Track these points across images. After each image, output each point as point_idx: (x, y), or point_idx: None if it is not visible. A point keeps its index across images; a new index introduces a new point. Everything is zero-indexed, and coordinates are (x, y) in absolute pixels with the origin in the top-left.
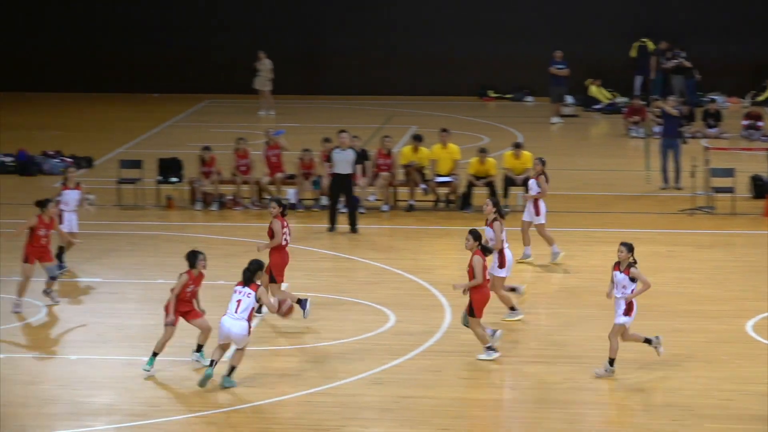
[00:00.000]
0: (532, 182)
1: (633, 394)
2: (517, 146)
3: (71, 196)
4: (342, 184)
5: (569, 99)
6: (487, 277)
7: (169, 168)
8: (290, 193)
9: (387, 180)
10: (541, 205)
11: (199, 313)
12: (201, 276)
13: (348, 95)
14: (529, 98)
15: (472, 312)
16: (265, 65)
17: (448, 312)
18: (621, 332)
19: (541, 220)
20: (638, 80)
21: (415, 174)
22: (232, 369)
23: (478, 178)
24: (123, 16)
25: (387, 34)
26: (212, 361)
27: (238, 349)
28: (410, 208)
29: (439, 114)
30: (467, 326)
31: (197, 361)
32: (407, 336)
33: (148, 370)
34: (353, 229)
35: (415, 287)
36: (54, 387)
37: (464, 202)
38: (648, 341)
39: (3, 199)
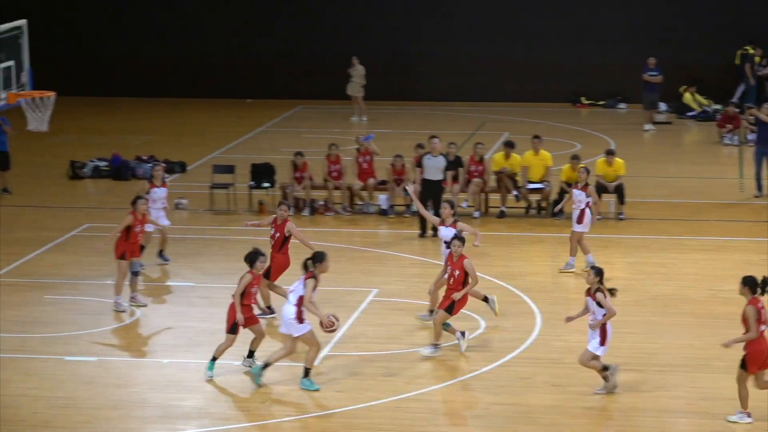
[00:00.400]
0: (579, 193)
1: (722, 402)
2: (610, 153)
3: (159, 194)
4: (432, 190)
5: (662, 106)
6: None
7: (262, 173)
8: (382, 199)
9: (479, 186)
10: (587, 214)
11: (257, 319)
12: (260, 277)
13: (440, 101)
14: (622, 105)
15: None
16: (358, 71)
17: (539, 319)
18: (589, 360)
19: (585, 228)
20: (741, 88)
21: (507, 180)
22: (306, 371)
23: (569, 184)
24: (217, 22)
25: (479, 41)
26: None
27: (308, 350)
28: (502, 215)
29: (531, 120)
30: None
31: (248, 366)
32: (497, 342)
33: (211, 377)
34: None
35: (506, 293)
36: (145, 390)
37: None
38: (606, 368)
39: (97, 203)
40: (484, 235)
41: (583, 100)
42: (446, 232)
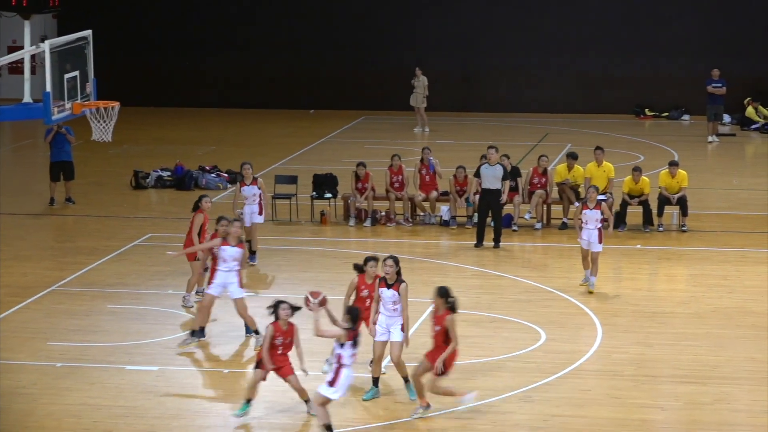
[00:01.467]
0: (592, 213)
1: None
2: (673, 164)
3: (248, 191)
4: (490, 200)
5: (726, 118)
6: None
7: (324, 183)
8: (443, 210)
9: (541, 198)
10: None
11: (292, 369)
12: (291, 330)
13: (502, 112)
14: (686, 117)
15: None
16: (421, 82)
17: (600, 331)
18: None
19: (600, 248)
20: None
21: (570, 192)
22: (405, 380)
23: (631, 197)
24: (279, 34)
25: (542, 52)
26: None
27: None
28: (564, 226)
29: (595, 132)
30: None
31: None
32: (558, 354)
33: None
34: (496, 245)
35: (567, 305)
36: (206, 400)
37: (618, 221)
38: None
39: (160, 213)
40: (546, 247)
41: (647, 112)
42: (388, 294)
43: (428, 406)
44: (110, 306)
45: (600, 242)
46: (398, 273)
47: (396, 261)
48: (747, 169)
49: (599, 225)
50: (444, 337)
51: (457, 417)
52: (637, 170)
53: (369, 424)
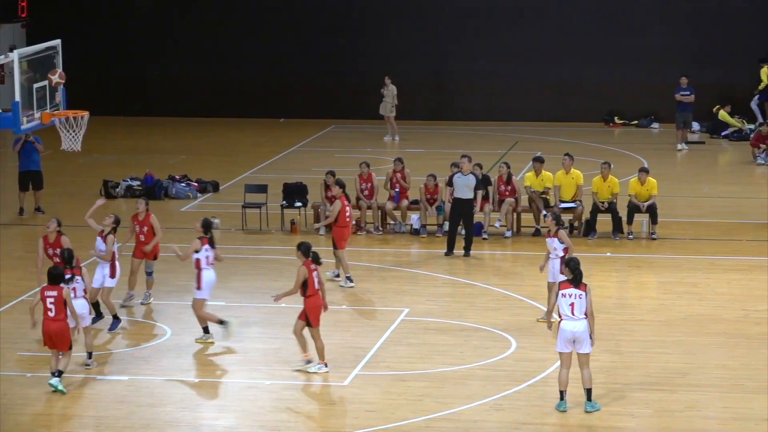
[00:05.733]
0: (551, 241)
1: (753, 423)
2: (643, 171)
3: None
4: (462, 209)
5: (695, 126)
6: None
7: (294, 192)
8: (413, 219)
9: (511, 206)
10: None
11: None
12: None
13: (473, 121)
14: (655, 125)
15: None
16: (390, 91)
17: None
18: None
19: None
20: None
21: (538, 200)
22: (588, 393)
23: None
24: (249, 43)
25: (512, 60)
26: (561, 392)
27: (585, 369)
28: (538, 233)
29: (565, 140)
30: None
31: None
32: (528, 362)
33: None
34: (467, 254)
35: (537, 313)
36: (176, 410)
37: (588, 228)
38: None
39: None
40: (516, 255)
41: (616, 120)
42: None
43: (309, 361)
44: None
45: (562, 272)
46: None
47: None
48: (717, 177)
49: (559, 254)
50: (303, 290)
51: (428, 426)
52: (644, 171)
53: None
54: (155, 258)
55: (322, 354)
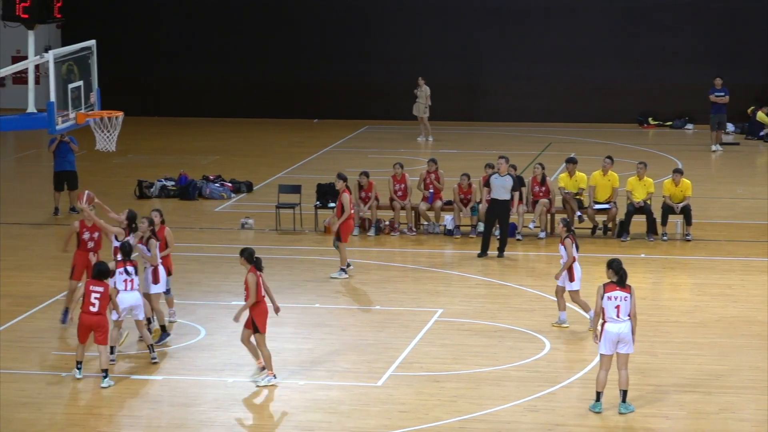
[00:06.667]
0: (561, 248)
1: None
2: (677, 172)
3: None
4: (499, 210)
5: (730, 127)
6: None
7: (328, 193)
8: (447, 220)
9: (545, 207)
10: (576, 269)
11: None
12: None
13: (506, 122)
14: (689, 126)
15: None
16: (424, 91)
17: None
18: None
19: (576, 286)
20: None
21: (572, 201)
22: (624, 394)
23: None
24: (283, 45)
25: (546, 61)
26: (598, 393)
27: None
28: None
29: (598, 141)
30: None
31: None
32: (562, 363)
33: None
34: (500, 255)
35: (571, 314)
36: (210, 409)
37: (621, 230)
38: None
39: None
40: (550, 256)
41: (650, 121)
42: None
43: (263, 368)
44: (115, 316)
45: (571, 279)
46: None
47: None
48: (751, 178)
49: (564, 261)
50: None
51: (462, 427)
52: (678, 172)
53: None
54: (169, 274)
55: (269, 362)
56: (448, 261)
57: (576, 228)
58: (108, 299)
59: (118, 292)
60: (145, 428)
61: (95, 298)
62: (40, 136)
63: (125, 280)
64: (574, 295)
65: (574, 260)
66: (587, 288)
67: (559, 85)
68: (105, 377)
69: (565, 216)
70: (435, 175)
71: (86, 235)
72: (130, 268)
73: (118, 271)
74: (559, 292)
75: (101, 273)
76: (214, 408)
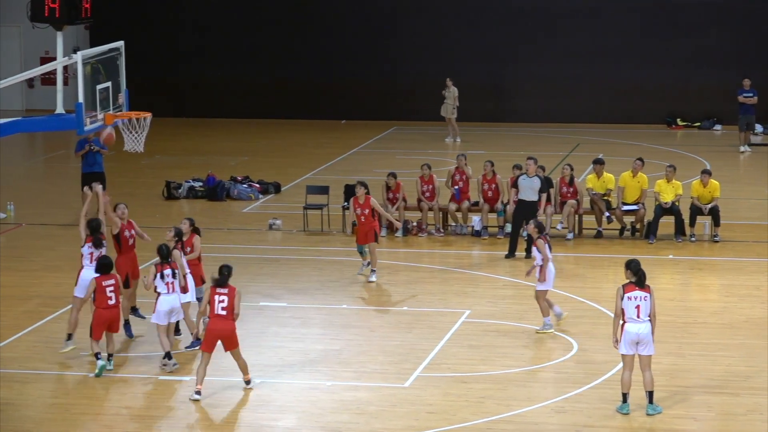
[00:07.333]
0: (535, 250)
1: None
2: (706, 173)
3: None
4: (526, 211)
5: (759, 127)
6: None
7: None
8: (475, 221)
9: (573, 208)
10: (550, 270)
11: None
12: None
13: (534, 122)
14: (717, 127)
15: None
16: (452, 92)
17: None
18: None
19: (546, 287)
20: None
21: (600, 202)
22: (650, 395)
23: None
24: (311, 45)
25: (574, 62)
26: (624, 395)
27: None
28: (599, 235)
29: (626, 142)
30: None
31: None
32: (590, 364)
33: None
34: (528, 256)
35: (599, 315)
36: (237, 410)
37: (648, 231)
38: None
39: None
40: (578, 257)
41: (679, 122)
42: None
43: (249, 381)
44: (148, 316)
45: (541, 279)
46: None
47: None
48: None
49: (539, 263)
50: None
51: (489, 428)
52: (706, 173)
53: None
54: (203, 282)
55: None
56: (476, 262)
57: (604, 229)
58: (119, 290)
59: (159, 295)
60: (172, 428)
61: (111, 291)
62: (68, 137)
63: (167, 283)
64: (540, 294)
65: (548, 261)
66: (611, 290)
67: (587, 86)
68: (109, 360)
69: (616, 211)
70: (463, 174)
71: (126, 233)
72: (167, 271)
73: (157, 274)
74: (540, 296)
75: (107, 266)
76: (242, 408)
